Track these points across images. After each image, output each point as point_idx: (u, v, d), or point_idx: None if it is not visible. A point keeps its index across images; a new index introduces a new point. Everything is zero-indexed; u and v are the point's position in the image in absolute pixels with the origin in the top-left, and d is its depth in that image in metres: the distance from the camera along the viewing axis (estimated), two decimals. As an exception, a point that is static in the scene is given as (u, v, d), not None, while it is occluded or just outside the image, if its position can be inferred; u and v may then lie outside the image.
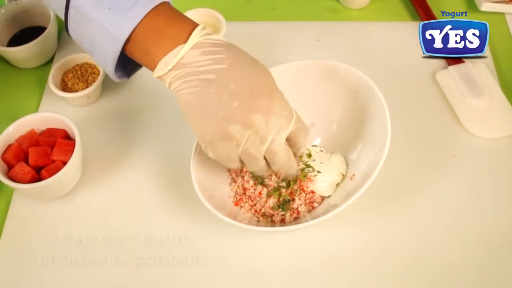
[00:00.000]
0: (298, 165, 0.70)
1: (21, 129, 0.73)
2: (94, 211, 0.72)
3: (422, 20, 0.89)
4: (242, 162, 0.61)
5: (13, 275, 0.68)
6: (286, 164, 0.63)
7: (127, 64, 0.63)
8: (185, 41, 0.55)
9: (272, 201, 0.68)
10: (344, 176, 0.70)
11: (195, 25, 0.57)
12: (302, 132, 0.61)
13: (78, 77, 0.82)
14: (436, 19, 0.88)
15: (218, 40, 0.56)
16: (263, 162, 0.61)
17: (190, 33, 0.55)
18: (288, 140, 0.61)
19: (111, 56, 0.57)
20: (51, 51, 0.89)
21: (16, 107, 0.84)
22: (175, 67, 0.55)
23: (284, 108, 0.57)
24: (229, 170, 0.72)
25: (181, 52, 0.54)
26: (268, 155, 0.60)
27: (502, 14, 0.90)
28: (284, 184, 0.70)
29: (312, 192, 0.69)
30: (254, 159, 0.59)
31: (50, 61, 0.88)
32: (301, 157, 0.71)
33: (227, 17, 0.85)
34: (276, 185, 0.69)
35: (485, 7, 0.89)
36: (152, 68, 0.57)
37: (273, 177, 0.70)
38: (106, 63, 0.59)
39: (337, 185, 0.70)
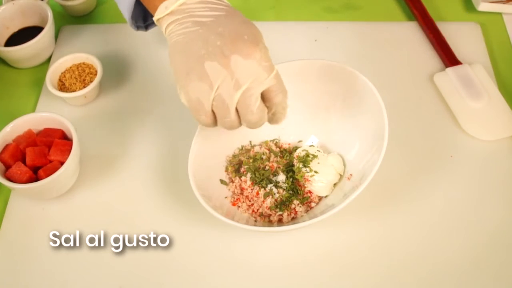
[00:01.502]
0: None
1: (18, 129, 0.73)
2: (92, 211, 0.72)
3: (417, 21, 0.89)
4: (213, 115, 0.59)
5: (11, 275, 0.68)
6: (257, 123, 0.60)
7: (147, 17, 0.68)
8: None
9: (269, 201, 0.68)
10: (341, 176, 0.71)
11: None
12: (281, 92, 0.59)
13: (76, 77, 0.82)
14: (432, 20, 0.88)
15: None
16: (234, 115, 0.58)
17: None
18: (264, 99, 0.59)
19: (128, 3, 0.63)
20: (49, 51, 0.88)
21: (13, 107, 0.84)
22: (174, 11, 0.58)
23: (265, 59, 0.57)
24: (226, 170, 0.73)
25: None
26: (241, 107, 0.57)
27: (500, 14, 0.90)
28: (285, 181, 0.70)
29: (310, 192, 0.69)
30: (225, 108, 0.57)
31: (47, 61, 0.88)
32: (298, 156, 0.71)
33: (225, 17, 0.85)
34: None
35: (483, 7, 0.89)
36: (153, 12, 0.60)
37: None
38: (125, 9, 0.64)
39: (335, 185, 0.70)
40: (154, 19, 0.60)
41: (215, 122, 0.60)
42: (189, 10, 0.58)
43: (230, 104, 0.57)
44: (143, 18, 0.69)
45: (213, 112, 0.58)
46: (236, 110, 0.58)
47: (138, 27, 0.68)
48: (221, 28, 0.56)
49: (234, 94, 0.56)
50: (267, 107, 0.59)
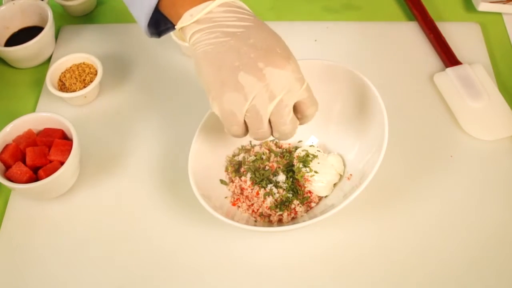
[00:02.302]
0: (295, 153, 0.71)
1: (18, 129, 0.73)
2: (92, 211, 0.72)
3: (417, 21, 0.89)
4: (245, 125, 0.59)
5: (11, 275, 0.68)
6: (290, 134, 0.60)
7: (159, 24, 0.67)
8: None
9: (269, 201, 0.68)
10: (341, 176, 0.71)
11: None
12: (312, 105, 0.60)
13: (76, 77, 0.82)
14: (432, 20, 0.88)
15: (245, 7, 0.59)
16: (267, 126, 0.58)
17: None
18: (296, 111, 0.59)
19: (147, 9, 0.61)
20: (49, 51, 0.89)
21: (13, 107, 0.84)
22: (199, 20, 0.57)
23: (297, 71, 0.57)
24: (226, 170, 0.73)
25: (210, 6, 0.57)
26: (275, 118, 0.58)
27: (500, 14, 0.90)
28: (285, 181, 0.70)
29: (310, 192, 0.69)
30: (259, 120, 0.57)
31: (47, 61, 0.88)
32: (298, 156, 0.71)
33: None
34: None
35: (482, 7, 0.89)
36: (176, 20, 0.59)
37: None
38: (142, 16, 0.63)
39: (335, 185, 0.70)
40: (177, 27, 0.59)
41: (246, 133, 0.60)
42: (216, 19, 0.57)
43: (264, 116, 0.57)
44: (155, 24, 0.68)
45: (245, 122, 0.58)
46: (269, 121, 0.58)
47: (151, 34, 0.67)
48: (252, 39, 0.56)
49: (268, 105, 0.56)
50: (298, 118, 0.60)
